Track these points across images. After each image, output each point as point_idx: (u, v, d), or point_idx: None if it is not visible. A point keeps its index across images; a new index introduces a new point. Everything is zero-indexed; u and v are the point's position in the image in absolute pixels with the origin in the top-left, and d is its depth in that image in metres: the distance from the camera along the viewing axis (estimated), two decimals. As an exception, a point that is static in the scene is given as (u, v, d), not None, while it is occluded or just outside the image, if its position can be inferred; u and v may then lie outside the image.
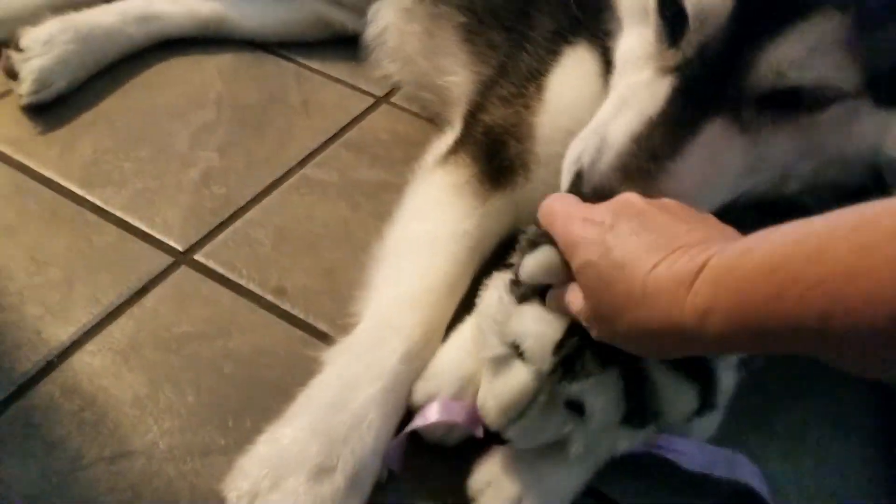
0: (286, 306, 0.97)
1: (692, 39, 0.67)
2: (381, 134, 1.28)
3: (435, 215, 0.94)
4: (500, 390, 0.69)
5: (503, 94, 1.02)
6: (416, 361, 0.80)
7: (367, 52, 1.41)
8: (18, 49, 1.19)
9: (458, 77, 1.22)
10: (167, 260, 1.00)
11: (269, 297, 0.98)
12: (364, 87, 1.38)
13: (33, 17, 1.28)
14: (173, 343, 0.90)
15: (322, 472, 0.70)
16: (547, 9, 1.05)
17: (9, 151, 1.12)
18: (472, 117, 1.05)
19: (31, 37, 1.20)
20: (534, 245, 0.68)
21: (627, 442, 0.70)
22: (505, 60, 1.06)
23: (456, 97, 1.21)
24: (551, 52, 0.99)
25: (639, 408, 0.66)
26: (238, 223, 1.07)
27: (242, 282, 0.99)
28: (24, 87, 1.17)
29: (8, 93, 1.22)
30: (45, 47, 1.20)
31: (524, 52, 1.03)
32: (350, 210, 1.13)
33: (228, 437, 0.82)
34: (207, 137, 1.21)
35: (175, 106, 1.26)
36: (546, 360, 0.66)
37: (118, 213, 1.05)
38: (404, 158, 1.19)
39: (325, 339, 0.93)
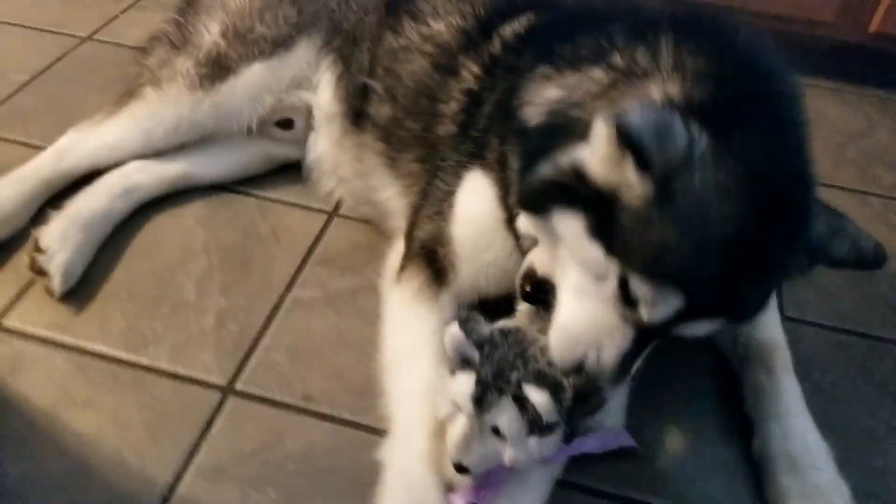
0: (315, 408, 1.32)
1: (646, 315, 0.98)
2: (341, 245, 1.63)
3: (410, 326, 1.30)
4: (453, 434, 1.07)
5: (429, 214, 1.38)
6: (435, 437, 1.16)
7: (310, 174, 1.75)
8: (39, 250, 1.47)
9: (388, 193, 1.57)
10: (217, 395, 1.33)
11: (301, 405, 1.32)
12: (316, 206, 1.72)
13: (28, 209, 1.57)
14: (245, 459, 1.24)
15: None
16: (450, 144, 1.41)
17: (57, 336, 1.41)
18: (409, 236, 1.41)
19: (48, 237, 1.48)
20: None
21: (545, 447, 1.05)
22: (426, 187, 1.42)
23: (390, 210, 1.57)
24: (457, 177, 1.35)
25: (534, 420, 1.03)
26: (258, 352, 1.41)
27: (278, 398, 1.33)
28: (56, 281, 1.44)
29: (31, 283, 1.49)
30: (62, 243, 1.47)
31: (438, 180, 1.39)
32: (337, 317, 1.47)
33: (308, 516, 1.17)
34: (208, 284, 1.52)
35: (173, 262, 1.57)
36: (468, 405, 1.04)
37: (165, 367, 1.36)
38: (364, 262, 1.57)
39: (352, 425, 1.29)
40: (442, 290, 1.32)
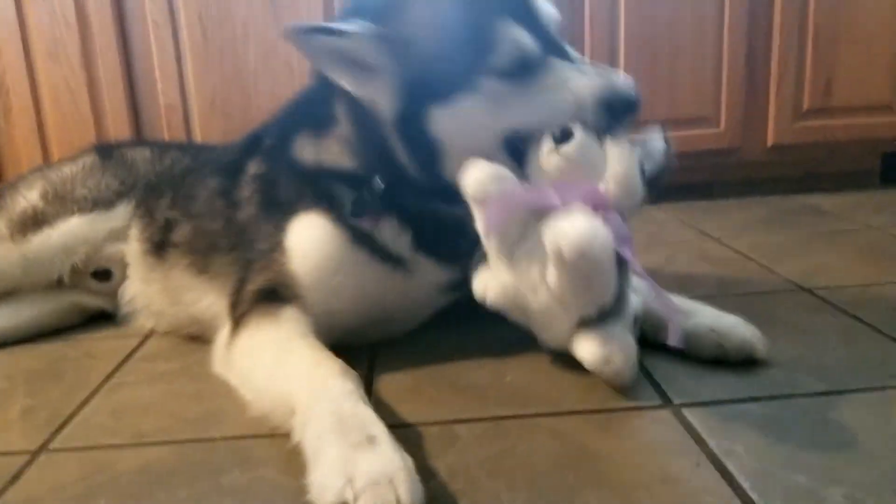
0: (150, 439, 1.15)
1: None
2: (163, 348, 1.56)
3: (269, 337, 1.27)
4: None
5: (258, 268, 1.42)
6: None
7: (124, 321, 1.72)
8: None
9: (208, 299, 1.56)
10: (25, 458, 1.12)
11: (132, 441, 1.15)
12: (130, 333, 1.66)
13: None
14: (67, 486, 1.02)
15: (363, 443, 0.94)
16: (255, 220, 1.49)
17: None
18: (238, 296, 1.40)
19: None
20: None
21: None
22: (245, 263, 1.46)
23: (213, 315, 1.53)
24: (280, 231, 1.41)
25: None
26: (76, 420, 1.24)
27: (107, 441, 1.15)
28: None
29: None
30: None
31: (256, 246, 1.45)
32: (167, 385, 1.36)
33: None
34: (8, 397, 1.35)
35: (-37, 391, 1.38)
36: None
37: (-45, 452, 1.14)
38: (192, 351, 1.50)
39: (195, 441, 1.14)
40: (287, 311, 1.33)
